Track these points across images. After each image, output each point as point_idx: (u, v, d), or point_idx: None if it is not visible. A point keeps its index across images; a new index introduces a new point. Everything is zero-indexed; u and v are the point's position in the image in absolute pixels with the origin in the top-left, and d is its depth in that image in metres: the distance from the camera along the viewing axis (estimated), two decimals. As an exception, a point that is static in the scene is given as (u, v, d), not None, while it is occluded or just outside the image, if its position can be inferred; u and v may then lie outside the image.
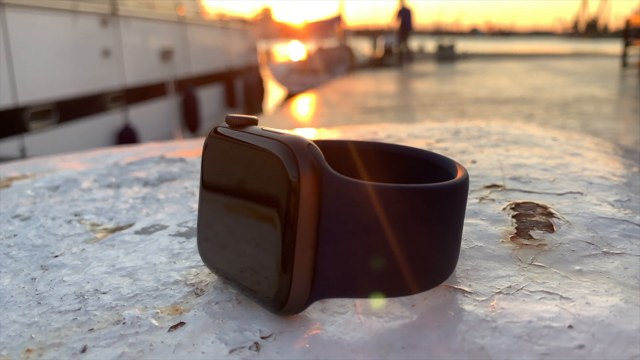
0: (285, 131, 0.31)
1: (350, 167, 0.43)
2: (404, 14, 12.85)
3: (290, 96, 11.30)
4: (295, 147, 0.29)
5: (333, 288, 0.30)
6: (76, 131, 4.95)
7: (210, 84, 8.15)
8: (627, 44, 10.85)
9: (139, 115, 5.96)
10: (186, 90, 7.03)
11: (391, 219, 0.30)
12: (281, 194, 0.29)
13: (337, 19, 16.47)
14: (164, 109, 6.68)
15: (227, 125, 0.35)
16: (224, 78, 8.83)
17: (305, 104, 7.82)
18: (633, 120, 5.54)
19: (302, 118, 6.62)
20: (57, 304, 0.35)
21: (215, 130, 0.36)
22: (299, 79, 13.37)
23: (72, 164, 0.72)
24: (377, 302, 0.32)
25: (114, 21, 5.56)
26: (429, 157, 0.39)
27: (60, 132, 4.75)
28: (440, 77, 11.02)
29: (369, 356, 0.27)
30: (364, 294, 0.31)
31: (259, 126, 0.33)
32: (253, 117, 0.34)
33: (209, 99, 7.97)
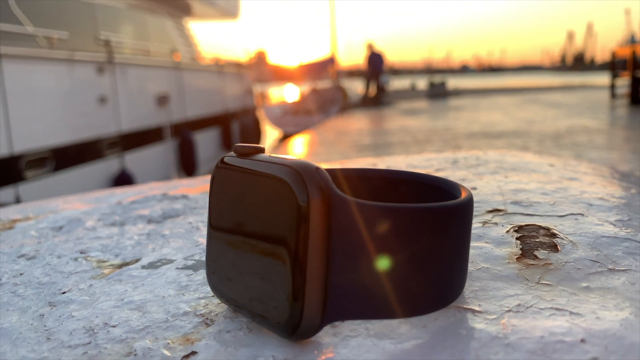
0: (292, 157, 0.32)
1: (355, 194, 0.43)
2: (375, 59, 13.31)
3: (285, 137, 11.40)
4: (303, 172, 0.29)
5: (345, 311, 0.30)
6: (72, 178, 4.96)
7: (206, 127, 8.22)
8: (614, 76, 11.06)
9: (136, 160, 5.98)
10: (182, 134, 7.09)
11: (400, 240, 0.30)
12: (291, 219, 0.29)
13: (330, 61, 16.77)
14: (160, 153, 6.72)
15: (234, 154, 0.35)
16: (220, 121, 8.92)
17: (301, 144, 7.89)
18: (626, 149, 5.60)
19: (299, 157, 6.64)
20: (66, 338, 0.35)
21: (222, 160, 0.36)
22: (293, 120, 13.51)
23: (74, 204, 0.72)
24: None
25: (110, 68, 5.64)
26: (432, 180, 0.40)
27: (56, 180, 4.75)
28: (433, 113, 11.16)
29: (384, 376, 0.27)
30: (376, 315, 0.31)
31: (267, 153, 0.34)
32: (260, 145, 0.35)
33: (206, 142, 8.02)
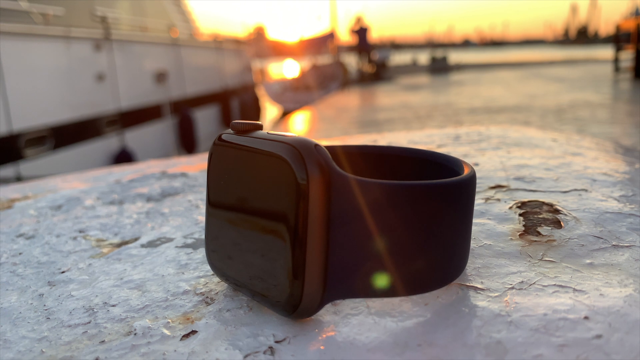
0: (290, 133, 0.31)
1: (356, 172, 0.42)
2: (360, 33, 13.36)
3: (285, 114, 11.35)
4: (302, 149, 0.29)
5: (345, 289, 0.30)
6: (72, 156, 4.95)
7: (205, 104, 8.17)
8: (618, 49, 10.95)
9: (135, 138, 5.96)
10: (182, 111, 7.04)
11: (401, 217, 0.30)
12: (290, 197, 0.29)
13: (330, 36, 16.60)
14: (160, 131, 6.69)
15: (232, 131, 0.35)
16: (220, 98, 8.86)
17: (301, 121, 7.85)
18: (628, 123, 5.57)
19: (299, 134, 6.63)
20: (66, 318, 0.35)
21: (219, 138, 0.36)
22: (293, 96, 13.43)
23: (73, 183, 0.72)
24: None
25: (107, 45, 5.58)
26: (434, 157, 0.39)
27: (56, 158, 4.74)
28: (434, 88, 11.08)
29: (386, 355, 0.27)
30: (377, 293, 0.30)
31: (265, 130, 0.33)
32: (258, 122, 0.34)
33: (205, 119, 7.98)
